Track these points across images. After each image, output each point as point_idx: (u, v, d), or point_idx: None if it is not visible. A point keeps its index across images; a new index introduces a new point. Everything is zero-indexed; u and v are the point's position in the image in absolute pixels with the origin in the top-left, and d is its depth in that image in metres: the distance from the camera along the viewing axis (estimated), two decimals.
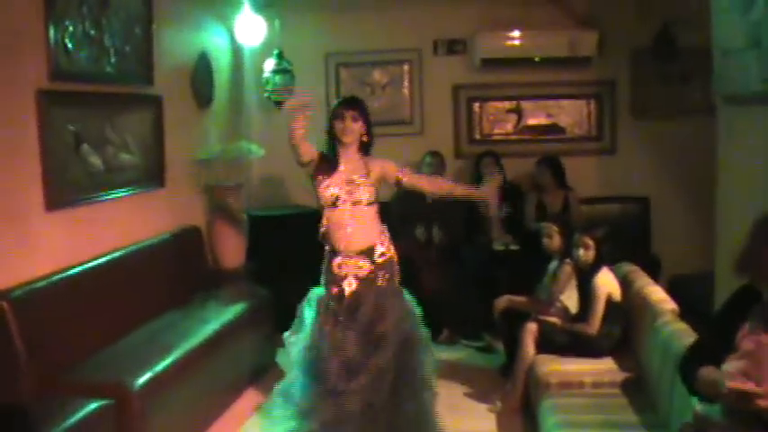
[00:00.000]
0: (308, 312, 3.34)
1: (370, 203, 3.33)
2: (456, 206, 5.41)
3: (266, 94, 5.62)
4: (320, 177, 3.36)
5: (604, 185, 5.92)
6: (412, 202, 5.35)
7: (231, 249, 5.00)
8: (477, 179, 5.65)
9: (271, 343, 4.74)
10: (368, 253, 3.31)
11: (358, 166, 3.37)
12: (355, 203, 3.30)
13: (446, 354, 4.93)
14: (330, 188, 3.32)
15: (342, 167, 3.37)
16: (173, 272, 4.42)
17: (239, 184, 5.11)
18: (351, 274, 3.29)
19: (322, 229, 3.37)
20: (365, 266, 3.29)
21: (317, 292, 3.38)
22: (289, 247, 5.23)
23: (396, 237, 5.40)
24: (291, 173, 5.06)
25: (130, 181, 4.18)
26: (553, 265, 4.23)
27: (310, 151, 3.31)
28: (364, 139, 3.41)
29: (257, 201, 5.92)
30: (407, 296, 3.43)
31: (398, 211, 5.50)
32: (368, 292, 3.27)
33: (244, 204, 5.21)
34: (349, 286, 3.28)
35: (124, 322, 3.81)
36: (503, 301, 4.35)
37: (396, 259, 3.40)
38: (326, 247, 3.38)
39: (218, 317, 4.18)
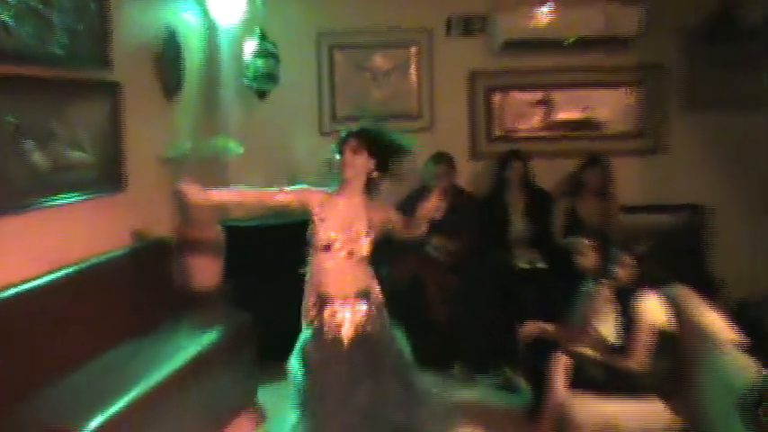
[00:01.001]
0: (298, 372, 3.49)
1: (367, 255, 3.52)
2: (474, 216, 5.39)
3: (246, 82, 5.64)
4: (319, 213, 3.50)
5: (649, 191, 5.94)
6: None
7: (204, 266, 4.98)
8: (499, 185, 5.63)
9: (251, 378, 4.70)
10: (364, 294, 3.51)
11: (359, 210, 3.49)
12: (350, 254, 3.46)
13: (459, 393, 4.79)
14: (330, 231, 3.46)
15: (341, 207, 3.49)
16: (134, 293, 4.40)
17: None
18: (347, 320, 3.46)
19: (308, 275, 3.54)
20: (362, 310, 3.48)
21: (303, 341, 3.52)
22: (273, 264, 5.21)
23: (402, 252, 5.45)
24: (276, 175, 5.05)
25: (82, 184, 4.16)
26: (588, 286, 4.21)
27: (278, 197, 3.54)
28: (372, 175, 3.51)
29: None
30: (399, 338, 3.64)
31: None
32: (367, 338, 3.46)
33: (218, 214, 5.17)
34: (346, 334, 3.45)
35: (73, 354, 3.76)
36: (530, 329, 4.34)
37: (384, 303, 3.61)
38: (309, 293, 3.52)
39: (188, 347, 4.16)
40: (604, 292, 4.09)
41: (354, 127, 3.57)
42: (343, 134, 3.56)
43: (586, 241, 4.20)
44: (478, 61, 6.00)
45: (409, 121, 6.02)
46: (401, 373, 3.55)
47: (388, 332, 3.58)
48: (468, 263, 5.39)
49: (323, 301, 3.49)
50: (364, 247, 3.48)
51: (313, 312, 3.51)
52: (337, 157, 3.51)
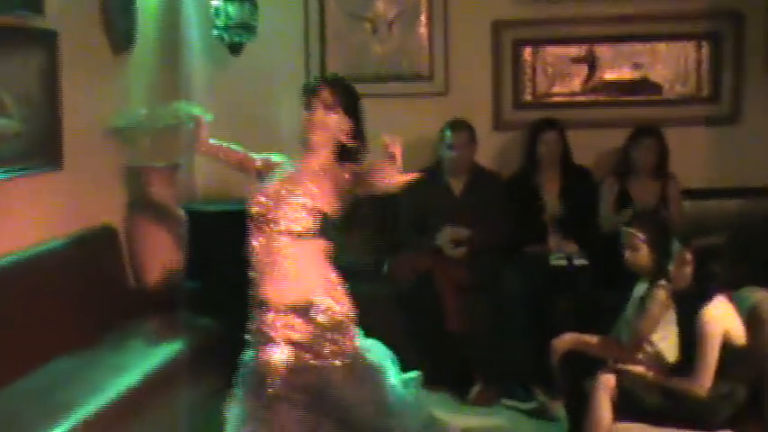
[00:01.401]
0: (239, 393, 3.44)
1: (307, 235, 3.29)
2: (500, 199, 5.47)
3: (215, 33, 5.66)
4: (263, 173, 3.55)
5: (721, 170, 5.94)
6: (432, 194, 5.42)
7: (162, 261, 5.02)
8: (529, 162, 5.63)
9: (217, 401, 4.62)
10: (303, 310, 3.31)
11: (314, 178, 3.33)
12: (289, 233, 3.29)
13: (478, 418, 4.96)
14: (261, 195, 3.38)
15: (288, 170, 3.43)
16: (71, 296, 4.38)
17: (174, 165, 5.13)
18: (282, 337, 3.33)
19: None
20: (299, 326, 3.32)
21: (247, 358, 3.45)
22: (246, 259, 5.13)
23: (408, 245, 5.41)
24: (252, 147, 4.98)
25: (8, 159, 4.16)
26: (640, 288, 4.18)
27: (257, 164, 3.60)
28: (344, 140, 3.39)
29: (202, 190, 5.96)
30: (382, 370, 3.47)
31: (412, 208, 5.45)
32: (308, 369, 3.31)
33: (181, 195, 5.22)
34: (281, 355, 3.32)
35: None
36: (566, 341, 4.29)
37: (351, 322, 3.39)
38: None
39: (140, 363, 4.16)
40: (662, 296, 4.04)
41: (330, 75, 3.47)
42: (312, 83, 3.47)
43: (637, 232, 4.13)
44: (505, 8, 6.01)
45: (419, 83, 6.08)
46: None
47: (348, 371, 3.34)
48: (491, 259, 5.39)
49: (260, 309, 3.37)
50: (302, 222, 3.27)
51: (252, 326, 3.40)
52: (304, 113, 3.38)
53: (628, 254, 4.14)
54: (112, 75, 5.10)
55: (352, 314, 3.37)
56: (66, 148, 4.54)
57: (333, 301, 3.32)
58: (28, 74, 4.28)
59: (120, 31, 5.06)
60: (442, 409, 5.06)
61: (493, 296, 5.24)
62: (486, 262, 5.37)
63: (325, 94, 3.36)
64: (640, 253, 4.10)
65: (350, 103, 3.40)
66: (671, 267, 3.93)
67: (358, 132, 3.41)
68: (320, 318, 3.29)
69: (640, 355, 4.04)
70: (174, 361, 4.27)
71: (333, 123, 3.35)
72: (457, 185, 5.57)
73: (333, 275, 3.38)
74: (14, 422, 3.44)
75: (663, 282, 4.03)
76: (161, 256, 4.97)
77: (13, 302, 3.95)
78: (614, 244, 4.39)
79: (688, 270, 3.91)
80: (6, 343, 3.84)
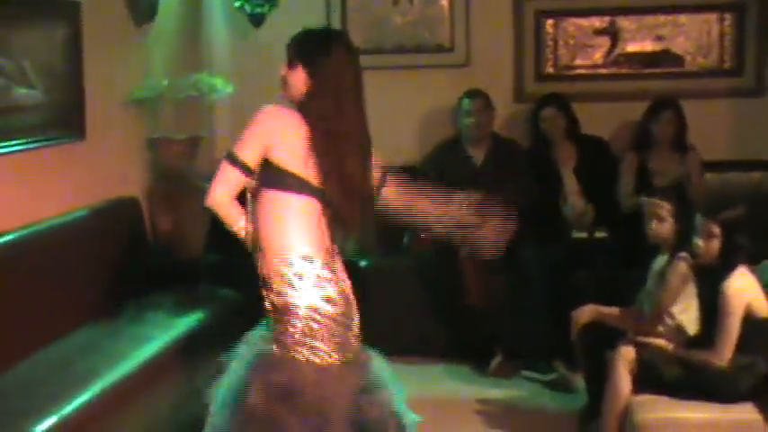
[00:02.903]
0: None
1: (260, 189, 3.03)
2: (520, 173, 5.48)
3: (237, 3, 5.67)
4: None
5: (743, 143, 5.92)
6: (453, 162, 5.48)
7: (184, 233, 5.02)
8: (535, 137, 5.71)
9: None
10: (265, 285, 3.07)
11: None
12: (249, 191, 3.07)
13: (499, 390, 5.00)
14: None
15: None
16: (94, 265, 4.40)
17: (195, 137, 5.12)
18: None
19: None
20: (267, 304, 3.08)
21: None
22: None
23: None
24: None
25: (31, 129, 4.17)
26: (661, 261, 4.18)
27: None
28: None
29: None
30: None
31: (434, 179, 5.48)
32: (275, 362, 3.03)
33: (202, 167, 5.18)
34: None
35: (20, 341, 3.76)
36: (586, 313, 4.31)
37: (298, 313, 2.97)
38: None
39: (163, 332, 4.17)
40: (683, 268, 4.04)
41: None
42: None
43: (664, 203, 4.13)
44: None
45: (439, 54, 6.08)
46: None
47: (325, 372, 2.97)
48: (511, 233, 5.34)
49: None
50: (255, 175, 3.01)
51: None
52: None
53: (654, 224, 4.13)
54: (134, 46, 5.12)
55: (296, 305, 2.97)
56: (88, 118, 4.55)
57: (282, 282, 2.99)
58: (51, 45, 4.30)
59: (142, 3, 5.07)
60: (463, 381, 5.11)
61: (512, 270, 5.21)
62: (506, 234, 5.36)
63: (288, 51, 3.12)
64: (665, 224, 4.10)
65: (304, 56, 3.06)
66: (698, 241, 3.91)
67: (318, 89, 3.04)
68: (274, 298, 3.02)
69: (660, 328, 4.05)
70: (196, 332, 4.28)
71: (294, 83, 3.07)
72: (478, 155, 5.56)
73: (306, 249, 2.98)
74: (36, 391, 3.47)
75: (683, 254, 4.03)
76: (182, 227, 4.97)
77: (36, 272, 3.96)
78: (634, 219, 4.39)
79: (716, 243, 3.88)
80: (29, 312, 3.87)
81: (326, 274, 2.99)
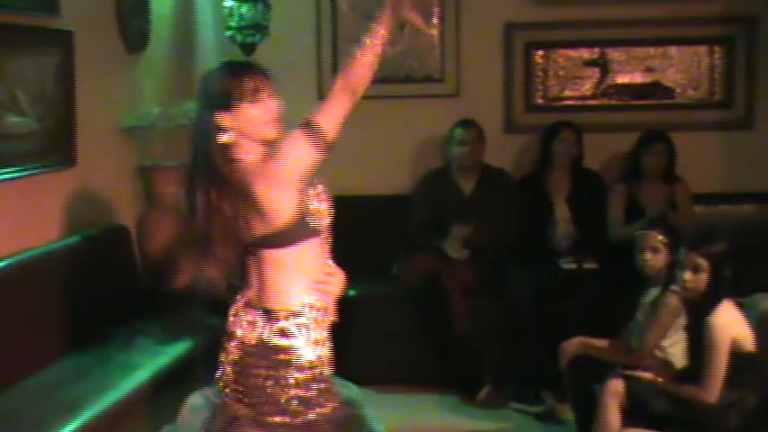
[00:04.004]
0: None
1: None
2: (508, 204, 5.45)
3: (228, 33, 5.64)
4: None
5: (733, 176, 5.92)
6: (442, 194, 5.49)
7: (173, 261, 4.78)
8: (542, 163, 5.63)
9: None
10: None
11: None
12: None
13: (487, 421, 4.96)
14: None
15: None
16: (84, 293, 4.38)
17: (186, 164, 5.00)
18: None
19: None
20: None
21: None
22: None
23: (418, 246, 5.40)
24: None
25: (22, 156, 4.17)
26: (652, 293, 4.16)
27: None
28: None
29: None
30: None
31: (423, 208, 5.48)
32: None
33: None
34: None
35: (8, 368, 3.75)
36: (574, 345, 4.30)
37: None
38: None
39: (150, 362, 4.15)
40: (674, 302, 4.03)
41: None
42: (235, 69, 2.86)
43: (659, 234, 4.13)
44: (516, 10, 5.97)
45: (430, 84, 6.05)
46: None
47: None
48: (499, 261, 5.39)
49: None
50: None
51: None
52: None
53: (648, 256, 4.12)
54: (126, 74, 5.12)
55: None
56: (79, 146, 4.54)
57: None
58: (44, 73, 4.30)
59: (134, 32, 5.08)
60: (451, 411, 5.09)
61: (501, 299, 5.23)
62: (494, 264, 5.35)
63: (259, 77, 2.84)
64: (659, 255, 4.09)
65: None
66: (685, 274, 3.87)
67: None
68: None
69: (649, 361, 4.02)
70: (185, 360, 4.24)
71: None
72: (467, 185, 5.55)
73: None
74: (24, 419, 3.44)
75: (675, 287, 4.00)
76: (172, 255, 4.85)
77: (25, 299, 3.95)
78: (623, 248, 4.39)
79: (703, 276, 3.85)
80: (18, 340, 3.84)
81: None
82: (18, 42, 4.13)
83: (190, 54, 5.90)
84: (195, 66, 5.93)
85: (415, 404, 5.12)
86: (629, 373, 3.99)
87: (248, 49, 5.65)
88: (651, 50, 5.95)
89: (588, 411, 4.04)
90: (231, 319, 2.84)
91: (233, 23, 5.55)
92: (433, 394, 5.27)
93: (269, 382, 2.71)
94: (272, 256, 2.72)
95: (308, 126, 2.66)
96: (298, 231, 2.70)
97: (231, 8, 5.52)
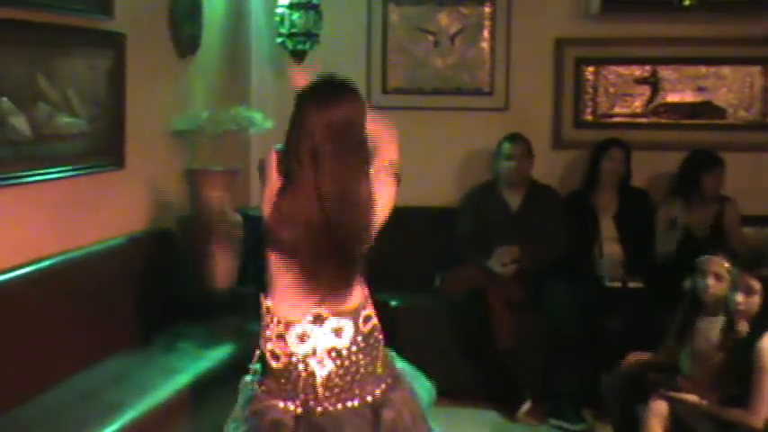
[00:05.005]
0: None
1: None
2: (555, 221, 5.47)
3: (279, 40, 5.67)
4: None
5: None
6: (488, 208, 5.49)
7: (217, 265, 4.96)
8: (590, 180, 5.66)
9: None
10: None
11: None
12: None
13: None
14: None
15: None
16: (127, 294, 4.41)
17: (234, 170, 5.11)
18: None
19: None
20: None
21: None
22: None
23: (465, 259, 5.38)
24: None
25: (73, 156, 4.18)
26: (712, 322, 4.04)
27: None
28: None
29: (258, 195, 5.85)
30: None
31: (469, 222, 5.46)
32: None
33: (237, 200, 5.22)
34: None
35: (45, 370, 3.74)
36: (633, 361, 4.29)
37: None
38: None
39: (192, 365, 4.15)
40: (722, 324, 4.00)
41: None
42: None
43: (724, 261, 4.04)
44: (568, 26, 5.98)
45: (479, 97, 6.07)
46: None
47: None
48: (543, 278, 5.36)
49: None
50: None
51: None
52: None
53: (711, 282, 4.02)
54: (177, 78, 5.14)
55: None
56: (128, 148, 4.56)
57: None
58: (96, 74, 4.31)
59: (186, 36, 5.11)
60: (490, 427, 5.05)
61: (544, 315, 5.22)
62: (538, 281, 5.33)
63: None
64: (722, 283, 4.01)
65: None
66: (738, 296, 3.86)
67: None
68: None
69: (696, 383, 3.98)
70: (226, 364, 4.22)
71: None
72: (514, 200, 5.54)
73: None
74: (65, 420, 3.45)
75: (726, 311, 3.95)
76: (216, 259, 4.91)
77: (69, 299, 3.96)
78: (669, 268, 4.35)
79: (756, 299, 3.84)
80: (61, 339, 3.85)
81: None
82: (71, 43, 4.15)
83: (240, 59, 5.94)
84: (245, 71, 6.02)
85: (454, 418, 5.07)
86: (672, 394, 3.97)
87: (298, 56, 5.68)
88: (703, 69, 5.93)
89: None
90: None
91: (284, 30, 5.60)
92: (470, 408, 5.23)
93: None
94: None
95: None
96: None
97: (283, 15, 5.57)
